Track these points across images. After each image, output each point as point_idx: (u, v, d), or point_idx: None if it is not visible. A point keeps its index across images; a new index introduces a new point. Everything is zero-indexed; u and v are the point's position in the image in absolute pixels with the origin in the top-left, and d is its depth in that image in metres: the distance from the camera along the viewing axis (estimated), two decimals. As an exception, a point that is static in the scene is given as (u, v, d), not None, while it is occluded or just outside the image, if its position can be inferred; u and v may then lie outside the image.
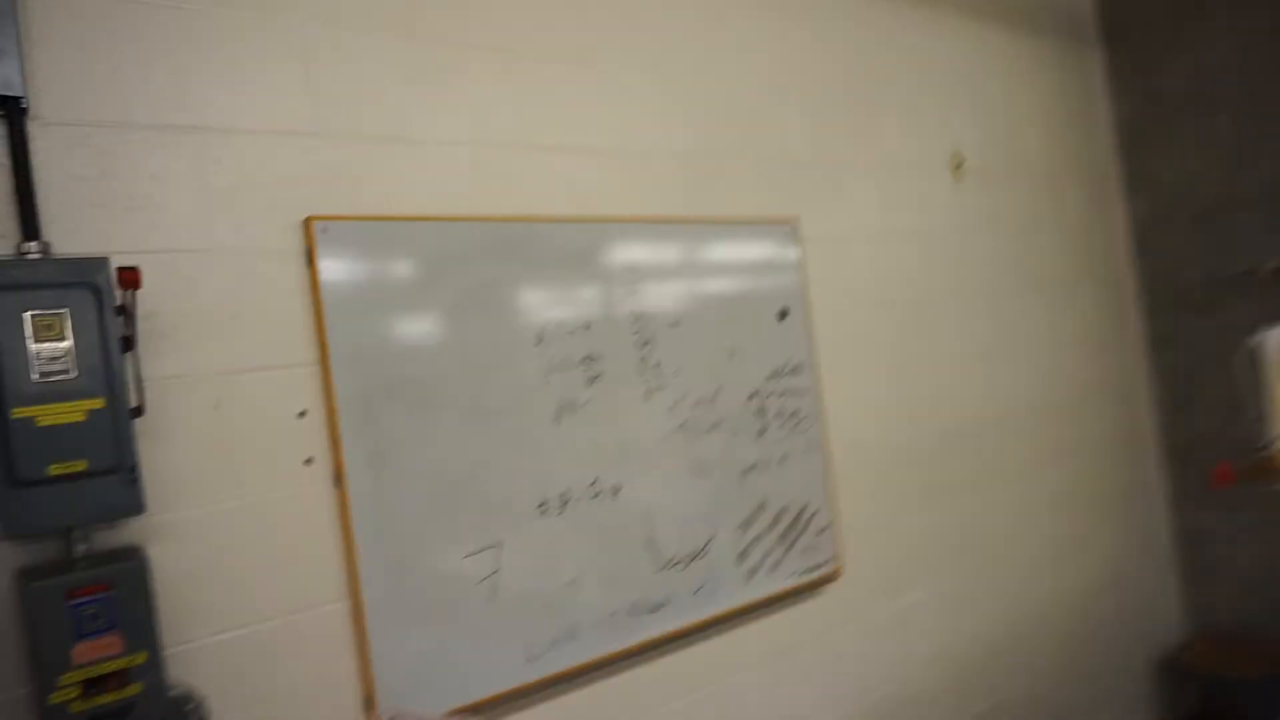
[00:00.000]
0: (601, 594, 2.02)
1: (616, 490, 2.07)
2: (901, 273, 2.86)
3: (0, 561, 1.42)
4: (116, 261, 1.46)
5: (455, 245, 1.89)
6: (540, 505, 1.96)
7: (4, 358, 1.34)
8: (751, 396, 2.35)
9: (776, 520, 2.36)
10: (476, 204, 1.96)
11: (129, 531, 1.52)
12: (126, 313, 1.47)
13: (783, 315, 2.44)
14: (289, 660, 1.65)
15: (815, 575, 2.44)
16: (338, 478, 1.72)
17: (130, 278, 1.45)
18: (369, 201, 1.82)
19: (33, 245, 1.45)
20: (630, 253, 2.16)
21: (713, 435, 2.25)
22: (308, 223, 1.72)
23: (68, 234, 1.51)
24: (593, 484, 2.04)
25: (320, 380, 1.72)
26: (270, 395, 1.68)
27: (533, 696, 1.93)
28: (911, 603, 2.78)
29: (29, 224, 1.46)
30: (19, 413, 1.34)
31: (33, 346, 1.36)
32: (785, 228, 2.49)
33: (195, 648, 1.56)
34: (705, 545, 2.21)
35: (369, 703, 1.71)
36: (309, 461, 1.71)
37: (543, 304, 2.00)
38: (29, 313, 1.36)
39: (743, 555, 2.28)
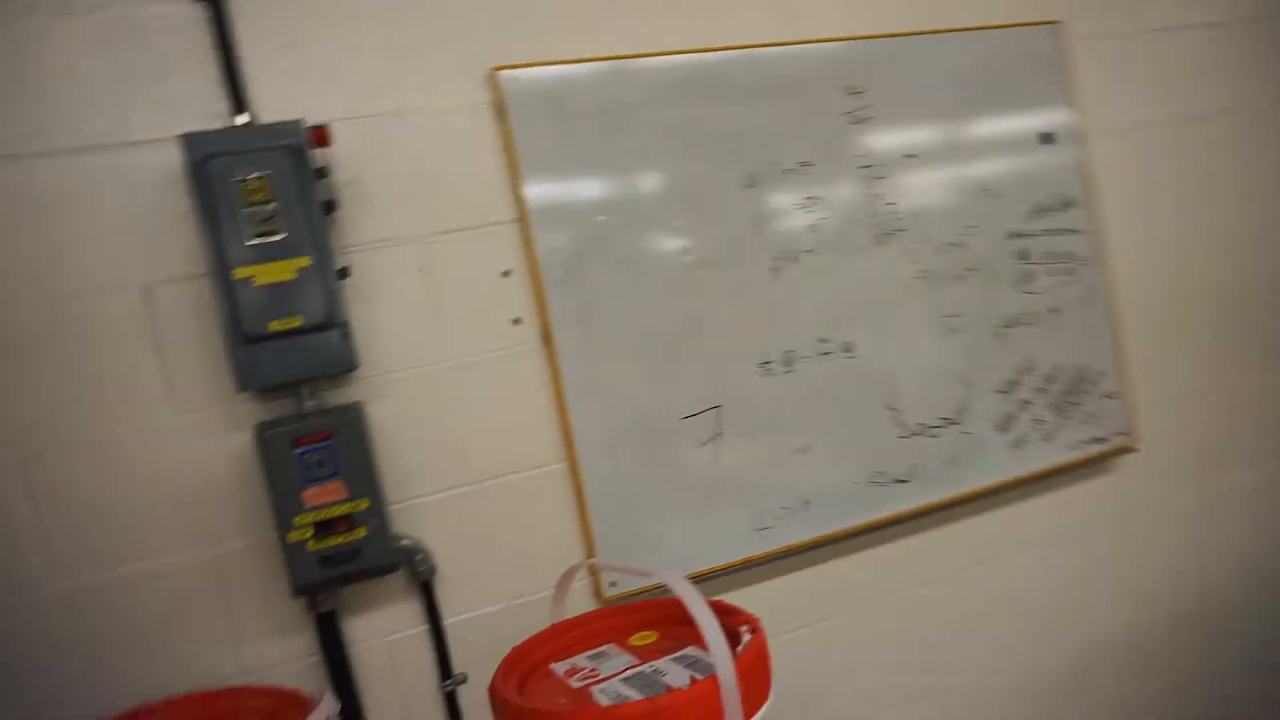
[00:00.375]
0: (837, 462, 1.83)
1: (849, 348, 1.85)
2: (1206, 73, 2.28)
3: (247, 418, 1.51)
4: (319, 130, 1.48)
5: (651, 85, 1.74)
6: (763, 364, 1.79)
7: (222, 221, 1.40)
8: (1010, 238, 1.99)
9: (1048, 383, 2.01)
10: (671, 38, 1.78)
11: (351, 390, 1.57)
12: (325, 175, 1.49)
13: (1046, 139, 2.03)
14: (509, 521, 1.65)
15: (1102, 449, 2.06)
16: (545, 337, 1.67)
17: (321, 136, 1.46)
18: (556, 47, 1.71)
19: (240, 119, 1.50)
20: (852, 77, 1.87)
21: (963, 284, 1.94)
22: (494, 74, 1.65)
23: (272, 108, 1.54)
24: (821, 341, 1.83)
25: (521, 238, 1.67)
26: (473, 255, 1.65)
27: (762, 569, 1.80)
28: (1236, 485, 2.29)
29: (237, 99, 1.51)
30: (240, 273, 1.40)
31: (244, 210, 1.41)
32: (1045, 31, 2.05)
33: (419, 504, 1.60)
34: (959, 410, 1.93)
35: (594, 569, 1.67)
36: (517, 321, 1.67)
37: (752, 143, 1.79)
38: (238, 178, 1.41)
39: (1006, 423, 1.97)
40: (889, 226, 1.89)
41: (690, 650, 1.25)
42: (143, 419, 1.47)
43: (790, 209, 1.82)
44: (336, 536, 1.42)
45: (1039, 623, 2.06)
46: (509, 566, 1.64)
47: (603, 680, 1.20)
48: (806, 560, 1.84)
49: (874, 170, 1.88)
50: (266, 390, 1.50)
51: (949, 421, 1.92)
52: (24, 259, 1.42)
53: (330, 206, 1.50)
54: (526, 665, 1.27)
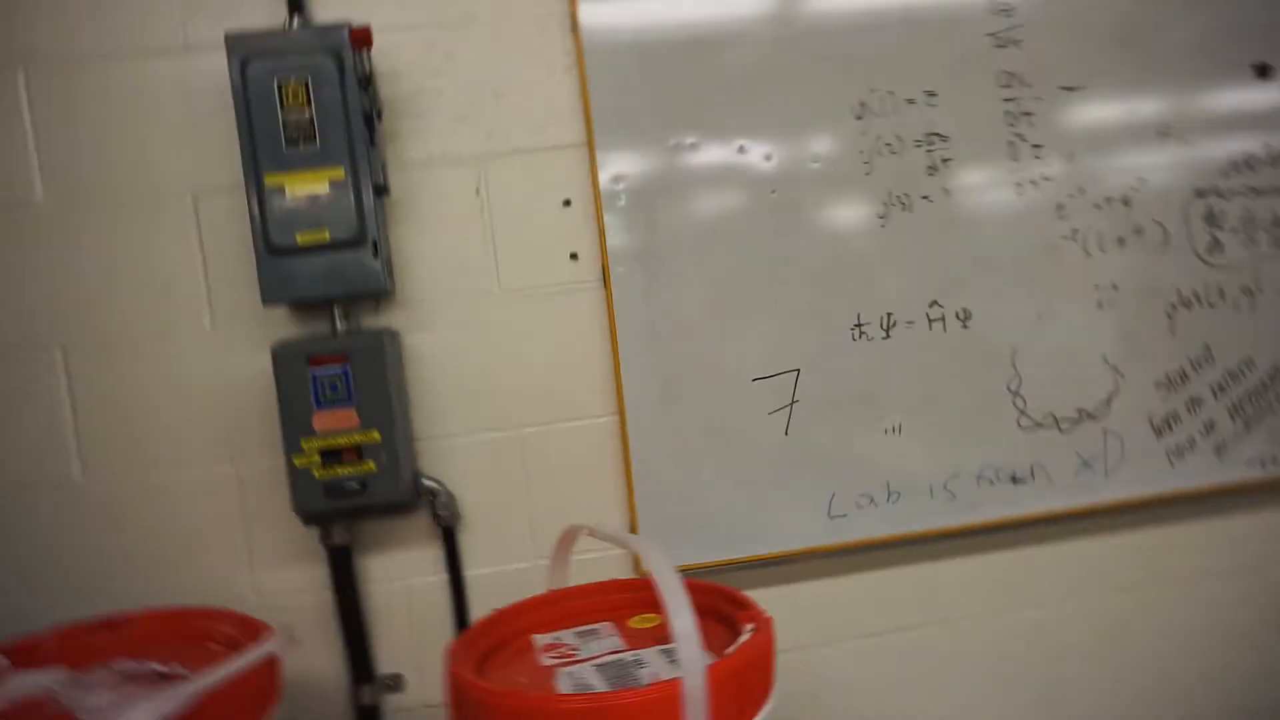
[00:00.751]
0: (937, 448, 1.55)
1: (966, 316, 1.55)
2: None
3: (280, 336, 1.46)
4: (377, 40, 1.37)
5: (748, -4, 1.51)
6: (855, 326, 1.54)
7: (257, 125, 1.33)
8: (1197, 196, 1.60)
9: (1229, 382, 1.61)
10: (779, -57, 1.54)
11: (390, 316, 1.48)
12: (369, 83, 1.38)
13: (1263, 71, 1.61)
14: (546, 474, 1.51)
15: (1299, 469, 1.64)
16: (604, 275, 1.50)
17: (361, 36, 1.35)
18: (643, -49, 1.52)
19: (294, 20, 1.42)
20: (999, -10, 1.56)
21: (1124, 250, 1.58)
22: (569, -20, 1.48)
23: (332, 16, 1.45)
24: (933, 305, 1.55)
25: (587, 165, 1.50)
26: (532, 181, 1.51)
27: (833, 562, 1.56)
28: None
29: (295, 3, 1.44)
30: (271, 181, 1.33)
31: (281, 115, 1.34)
32: (1278, -63, 1.62)
33: (450, 444, 1.49)
34: (1103, 403, 1.58)
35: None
36: (574, 257, 1.52)
37: (867, 66, 1.52)
38: (277, 79, 1.34)
39: (1166, 425, 1.60)
40: (1032, 173, 1.56)
41: (687, 643, 1.06)
42: (182, 328, 1.45)
43: (908, 146, 1.54)
44: (344, 466, 1.33)
45: (1176, 674, 1.67)
46: (540, 523, 1.51)
47: (577, 662, 1.04)
48: (888, 559, 1.58)
49: (1019, 104, 1.55)
50: (294, 306, 1.45)
51: (1088, 415, 1.58)
52: (83, 158, 1.42)
53: (371, 118, 1.39)
54: (507, 631, 1.13)
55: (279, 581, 1.47)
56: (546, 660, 1.06)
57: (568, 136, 1.51)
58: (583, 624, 1.16)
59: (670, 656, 1.02)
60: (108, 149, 1.43)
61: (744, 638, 0.97)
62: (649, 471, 1.50)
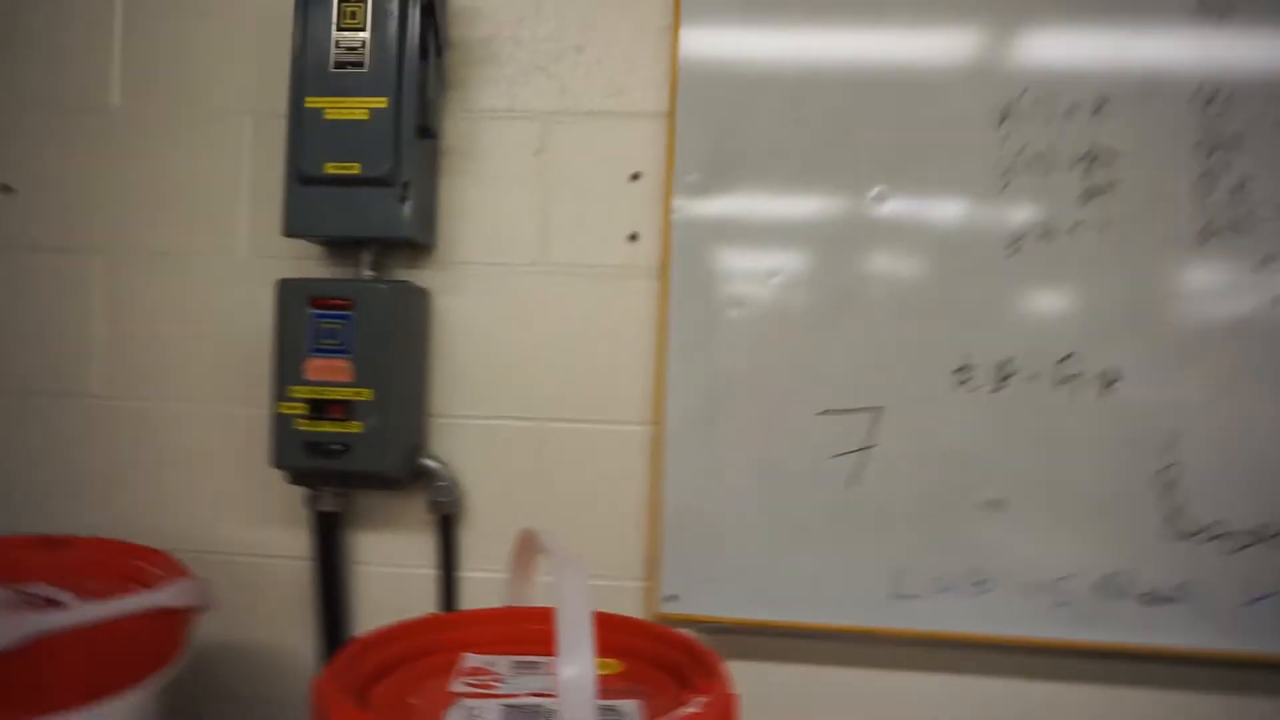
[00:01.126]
0: (1049, 537, 1.21)
1: (1110, 380, 1.22)
2: None
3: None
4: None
5: (886, -37, 1.28)
6: (960, 370, 1.24)
7: (310, 43, 1.24)
8: None
9: None
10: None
11: (425, 274, 1.34)
12: (432, 12, 1.26)
13: None
14: (564, 478, 1.31)
15: None
16: (663, 265, 1.29)
17: (428, -44, 1.23)
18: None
19: (381, -54, 1.33)
20: (1213, -21, 1.24)
21: (1349, 326, 1.20)
22: (679, -71, 1.31)
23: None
24: (1065, 359, 1.22)
25: (664, 139, 1.30)
26: (601, 147, 1.33)
27: (884, 651, 1.25)
28: None
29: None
30: (311, 102, 1.23)
31: (335, 34, 1.24)
32: None
33: (465, 425, 1.32)
34: (1292, 524, 1.19)
35: (650, 567, 1.26)
36: (633, 238, 1.32)
37: (1017, 54, 1.25)
38: (338, -4, 1.24)
39: (1387, 568, 1.18)
40: (1231, 215, 1.21)
41: (628, 704, 0.81)
42: (221, 252, 1.37)
43: (1061, 160, 1.23)
44: (328, 423, 1.19)
45: None
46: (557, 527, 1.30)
47: (490, 696, 0.82)
48: (963, 662, 1.24)
49: (1215, 128, 1.21)
50: (328, 247, 1.34)
51: (1271, 537, 1.19)
52: (161, 68, 1.38)
53: (429, 50, 1.26)
54: (438, 639, 0.92)
55: (266, 541, 1.34)
56: (459, 685, 0.85)
57: (649, 104, 1.32)
58: (527, 653, 0.94)
59: (606, 713, 0.77)
60: (186, 61, 1.38)
61: (682, 711, 0.72)
62: (680, 496, 1.26)
